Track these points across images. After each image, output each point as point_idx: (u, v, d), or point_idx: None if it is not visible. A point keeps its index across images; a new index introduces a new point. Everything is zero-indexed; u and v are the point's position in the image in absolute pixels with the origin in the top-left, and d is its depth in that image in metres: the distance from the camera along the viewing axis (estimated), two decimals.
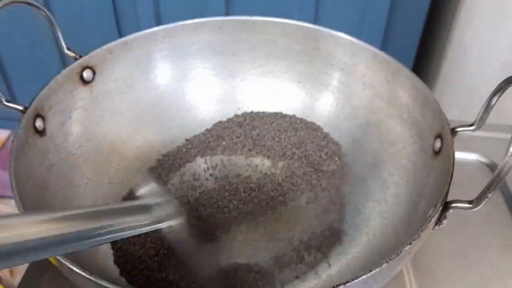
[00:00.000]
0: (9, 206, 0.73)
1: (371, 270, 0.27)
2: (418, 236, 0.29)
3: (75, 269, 0.27)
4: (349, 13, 0.73)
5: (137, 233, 0.32)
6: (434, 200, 0.33)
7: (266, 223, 0.42)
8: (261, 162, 0.47)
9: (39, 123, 0.38)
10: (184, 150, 0.47)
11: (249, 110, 0.50)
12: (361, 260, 0.39)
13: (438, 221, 0.31)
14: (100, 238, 0.28)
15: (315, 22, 0.47)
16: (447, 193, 0.31)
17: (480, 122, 0.34)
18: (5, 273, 0.75)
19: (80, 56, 0.42)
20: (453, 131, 0.35)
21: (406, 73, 0.42)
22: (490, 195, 0.29)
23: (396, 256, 0.28)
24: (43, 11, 0.40)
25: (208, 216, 0.42)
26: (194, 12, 0.72)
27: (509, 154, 0.27)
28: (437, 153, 0.37)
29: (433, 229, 0.31)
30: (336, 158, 0.46)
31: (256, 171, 0.46)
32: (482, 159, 0.54)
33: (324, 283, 0.38)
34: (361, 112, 0.47)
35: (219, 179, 0.46)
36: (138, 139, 0.47)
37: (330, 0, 0.72)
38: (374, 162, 0.44)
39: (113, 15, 0.75)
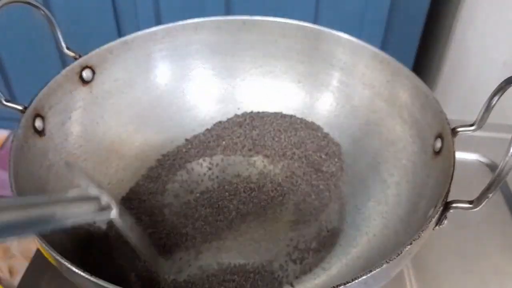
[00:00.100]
0: None
1: (371, 271, 0.27)
2: (419, 236, 0.29)
3: (74, 269, 0.27)
4: (349, 13, 0.73)
5: (79, 223, 0.31)
6: (435, 200, 0.33)
7: (266, 223, 0.42)
8: (261, 162, 0.47)
9: (38, 123, 0.38)
10: (184, 150, 0.47)
11: (249, 110, 0.50)
12: (361, 260, 0.39)
13: (439, 221, 0.31)
14: (39, 226, 0.29)
15: (315, 22, 0.47)
16: (447, 193, 0.31)
17: (480, 122, 0.34)
18: (4, 273, 0.75)
19: (80, 56, 0.42)
20: (454, 131, 0.35)
21: (406, 72, 0.42)
22: (490, 195, 0.29)
23: (397, 256, 0.28)
24: (43, 11, 0.40)
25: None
26: (193, 11, 0.72)
27: (509, 154, 0.27)
28: (437, 153, 0.37)
29: (433, 229, 0.31)
30: (336, 158, 0.46)
31: (256, 171, 0.46)
32: (483, 159, 0.54)
33: (324, 283, 0.38)
34: (361, 112, 0.47)
35: (219, 179, 0.46)
36: (138, 139, 0.47)
37: (330, 0, 0.72)
38: (374, 162, 0.44)
39: (112, 15, 0.75)
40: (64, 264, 0.28)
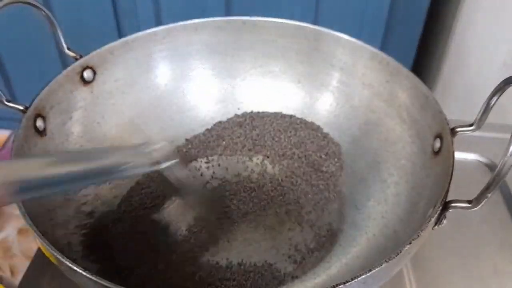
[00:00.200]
0: (10, 206, 0.73)
1: (370, 270, 0.27)
2: (418, 236, 0.29)
3: (75, 268, 0.27)
4: (349, 13, 0.73)
5: (138, 173, 0.38)
6: (434, 200, 0.33)
7: (266, 222, 0.42)
8: (261, 162, 0.47)
9: (39, 123, 0.38)
10: (184, 150, 0.47)
11: (249, 110, 0.50)
12: (361, 260, 0.39)
13: (438, 221, 0.31)
14: (104, 175, 0.34)
15: (315, 22, 0.47)
16: (446, 193, 0.31)
17: (480, 122, 0.34)
18: (6, 272, 0.76)
19: (81, 56, 0.42)
20: (453, 131, 0.35)
21: (406, 73, 0.42)
22: (489, 195, 0.29)
23: (396, 255, 0.28)
24: (44, 11, 0.40)
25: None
26: (194, 12, 0.72)
27: (508, 154, 0.27)
28: (436, 153, 0.37)
29: (432, 228, 0.32)
30: (336, 158, 0.46)
31: (256, 171, 0.47)
32: (482, 159, 0.54)
33: (323, 283, 0.38)
34: (361, 112, 0.47)
35: (219, 179, 0.46)
36: (138, 139, 0.47)
37: (330, 0, 0.72)
38: (373, 162, 0.44)
39: (113, 15, 0.75)
40: (65, 263, 0.28)
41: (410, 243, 0.29)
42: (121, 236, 0.40)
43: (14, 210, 0.82)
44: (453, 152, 0.34)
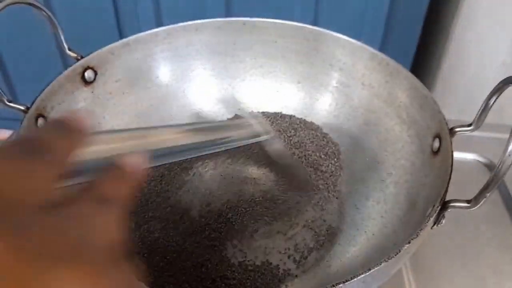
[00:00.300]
0: None
1: (370, 269, 0.28)
2: (417, 235, 0.29)
3: None
4: (348, 14, 0.74)
5: (243, 144, 0.42)
6: (433, 200, 0.33)
7: (265, 222, 0.43)
8: (261, 162, 0.47)
9: (40, 123, 0.38)
10: None
11: (249, 110, 0.50)
12: (360, 259, 0.39)
13: (437, 221, 0.32)
14: (217, 146, 0.39)
15: (314, 23, 0.47)
16: (445, 192, 0.32)
17: (478, 122, 0.34)
18: None
19: (82, 57, 0.43)
20: (452, 131, 0.36)
21: (405, 73, 0.42)
22: (488, 194, 0.29)
23: (395, 255, 0.28)
24: (45, 12, 0.40)
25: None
26: (194, 13, 0.73)
27: (507, 154, 0.27)
28: (435, 153, 0.37)
29: (431, 228, 0.32)
30: (335, 158, 0.46)
31: (256, 171, 0.47)
32: (481, 159, 0.54)
33: (323, 282, 0.38)
34: (360, 112, 0.47)
35: (219, 179, 0.46)
36: None
37: (330, 1, 0.72)
38: (373, 161, 0.45)
39: (114, 16, 0.75)
40: None
41: (409, 243, 0.29)
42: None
43: None
44: (452, 152, 0.34)
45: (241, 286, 0.38)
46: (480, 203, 0.30)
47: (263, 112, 0.50)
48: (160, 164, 0.36)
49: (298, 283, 0.38)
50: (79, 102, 0.43)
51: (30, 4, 0.39)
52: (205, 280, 0.38)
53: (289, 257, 0.40)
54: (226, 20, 0.48)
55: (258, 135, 0.43)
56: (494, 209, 0.49)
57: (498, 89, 0.32)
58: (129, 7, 0.74)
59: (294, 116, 0.50)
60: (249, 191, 0.45)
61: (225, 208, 0.43)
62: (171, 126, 0.43)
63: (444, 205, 0.31)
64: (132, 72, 0.47)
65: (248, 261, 0.39)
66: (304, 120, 0.49)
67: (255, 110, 0.50)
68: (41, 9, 0.40)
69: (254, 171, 0.47)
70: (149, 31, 0.46)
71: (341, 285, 0.27)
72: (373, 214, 0.42)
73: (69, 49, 0.42)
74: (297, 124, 0.49)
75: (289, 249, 0.40)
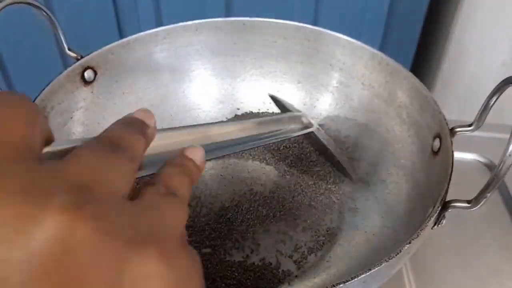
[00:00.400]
0: None
1: (370, 269, 0.27)
2: (417, 236, 0.29)
3: None
4: (348, 14, 0.74)
5: (294, 136, 0.44)
6: (433, 200, 0.33)
7: (265, 222, 0.43)
8: (261, 162, 0.47)
9: None
10: None
11: (249, 111, 0.50)
12: (360, 259, 0.39)
13: (437, 221, 0.32)
14: (271, 138, 0.41)
15: (314, 22, 0.47)
16: (446, 192, 0.32)
17: (479, 122, 0.34)
18: None
19: (81, 57, 0.42)
20: (452, 131, 0.36)
21: (405, 73, 0.42)
22: (488, 195, 0.29)
23: (395, 255, 0.28)
24: (44, 12, 0.40)
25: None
26: (194, 13, 0.73)
27: (507, 154, 0.27)
28: (436, 153, 0.37)
29: (432, 228, 0.32)
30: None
31: (256, 172, 0.47)
32: (481, 159, 0.54)
33: (323, 283, 0.38)
34: (360, 112, 0.47)
35: (219, 179, 0.46)
36: None
37: (330, 1, 0.72)
38: (373, 161, 0.45)
39: (113, 16, 0.75)
40: None
41: (410, 243, 0.29)
42: None
43: None
44: (452, 152, 0.34)
45: (241, 286, 0.38)
46: (481, 203, 0.30)
47: (263, 112, 0.50)
48: (217, 157, 0.39)
49: (298, 283, 0.38)
50: (79, 102, 0.43)
51: (30, 4, 0.39)
52: (205, 280, 0.38)
53: (289, 257, 0.40)
54: (226, 20, 0.48)
55: (306, 127, 0.45)
56: (494, 209, 0.49)
57: (498, 89, 0.32)
58: (129, 7, 0.74)
59: None
60: (249, 191, 0.45)
61: (225, 208, 0.43)
62: (226, 122, 0.48)
63: (445, 205, 0.31)
64: (132, 72, 0.47)
65: (248, 261, 0.39)
66: None
67: (255, 110, 0.50)
68: (41, 9, 0.40)
69: (254, 171, 0.47)
70: (149, 31, 0.46)
71: (341, 285, 0.27)
72: (373, 214, 0.42)
73: (69, 49, 0.42)
74: None
75: (289, 249, 0.40)
